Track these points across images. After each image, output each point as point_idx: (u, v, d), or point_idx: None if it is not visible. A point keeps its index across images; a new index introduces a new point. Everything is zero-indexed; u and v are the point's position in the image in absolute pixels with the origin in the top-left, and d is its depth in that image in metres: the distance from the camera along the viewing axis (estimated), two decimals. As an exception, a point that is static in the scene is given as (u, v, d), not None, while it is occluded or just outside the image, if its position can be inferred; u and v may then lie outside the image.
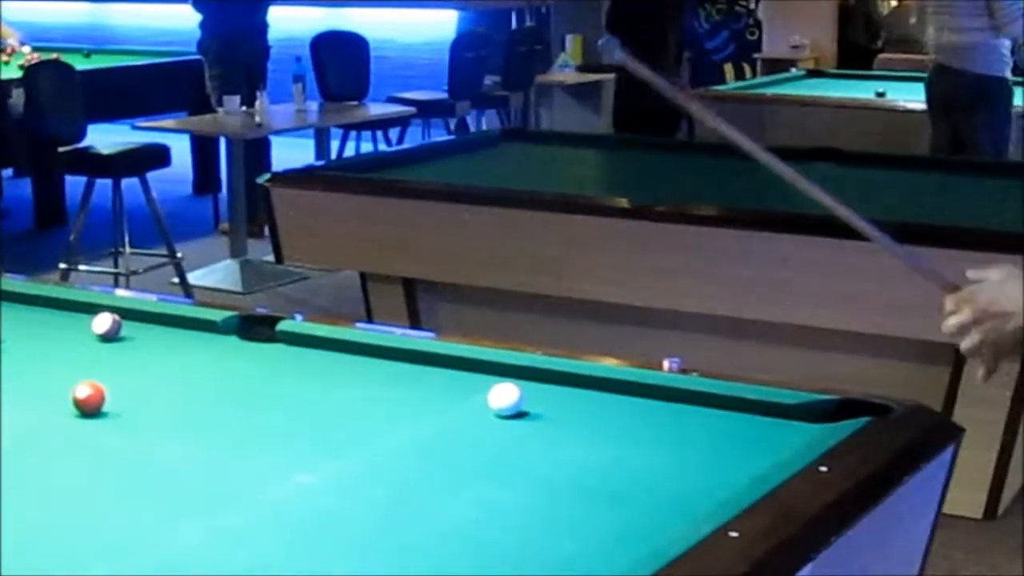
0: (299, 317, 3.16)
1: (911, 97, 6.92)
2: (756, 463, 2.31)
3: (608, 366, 2.82)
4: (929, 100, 6.49)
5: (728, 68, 11.61)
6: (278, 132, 7.67)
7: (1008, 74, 6.35)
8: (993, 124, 6.26)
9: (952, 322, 2.06)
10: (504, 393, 2.60)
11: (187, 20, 8.40)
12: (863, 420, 2.45)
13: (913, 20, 6.76)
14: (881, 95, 7.42)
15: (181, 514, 2.16)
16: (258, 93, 7.52)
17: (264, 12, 8.36)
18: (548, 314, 4.72)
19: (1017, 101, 6.46)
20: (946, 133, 6.38)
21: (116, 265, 6.86)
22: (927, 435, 2.45)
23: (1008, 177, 5.16)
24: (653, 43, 7.15)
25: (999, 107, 6.31)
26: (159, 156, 7.03)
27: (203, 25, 8.22)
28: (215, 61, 8.15)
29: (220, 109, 7.67)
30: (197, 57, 8.50)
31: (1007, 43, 6.29)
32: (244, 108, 7.54)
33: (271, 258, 5.43)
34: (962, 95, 6.27)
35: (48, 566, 1.97)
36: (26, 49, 9.06)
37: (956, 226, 4.06)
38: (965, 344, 2.04)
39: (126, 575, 1.94)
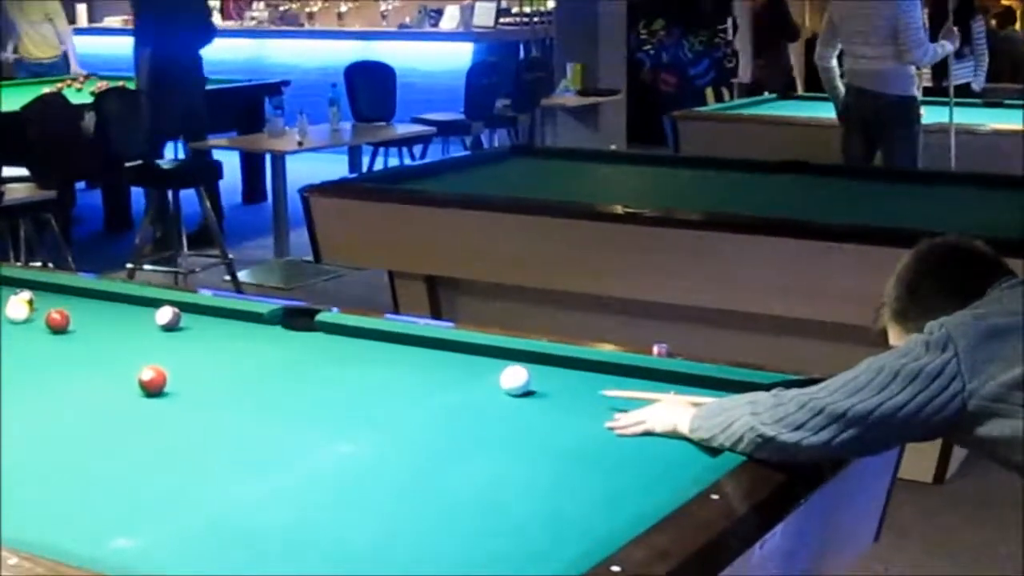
0: (335, 309, 3.16)
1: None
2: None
3: (605, 351, 2.82)
4: (846, 118, 6.51)
5: (709, 91, 11.59)
6: (316, 149, 7.67)
7: (917, 93, 6.39)
8: (909, 138, 6.31)
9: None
10: (514, 375, 2.60)
11: (231, 52, 8.37)
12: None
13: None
14: (842, 114, 7.38)
15: (234, 479, 2.17)
16: (299, 115, 7.48)
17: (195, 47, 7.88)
18: (553, 306, 4.72)
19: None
20: (860, 146, 6.42)
21: (176, 265, 6.87)
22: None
23: (950, 185, 5.17)
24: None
25: (913, 123, 6.35)
26: (212, 170, 7.03)
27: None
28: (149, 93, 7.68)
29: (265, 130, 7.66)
30: (245, 83, 8.47)
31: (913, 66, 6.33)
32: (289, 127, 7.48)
33: (311, 258, 5.43)
34: (882, 115, 6.31)
35: (115, 523, 1.97)
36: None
37: (903, 228, 4.04)
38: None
39: (187, 527, 1.95)
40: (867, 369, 2.07)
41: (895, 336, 2.23)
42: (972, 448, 2.08)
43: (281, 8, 12.58)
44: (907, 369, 2.02)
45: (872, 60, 6.29)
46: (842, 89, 6.54)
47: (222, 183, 7.54)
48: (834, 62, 6.56)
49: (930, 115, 6.53)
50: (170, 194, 6.99)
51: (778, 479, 2.09)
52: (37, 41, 9.68)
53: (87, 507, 2.04)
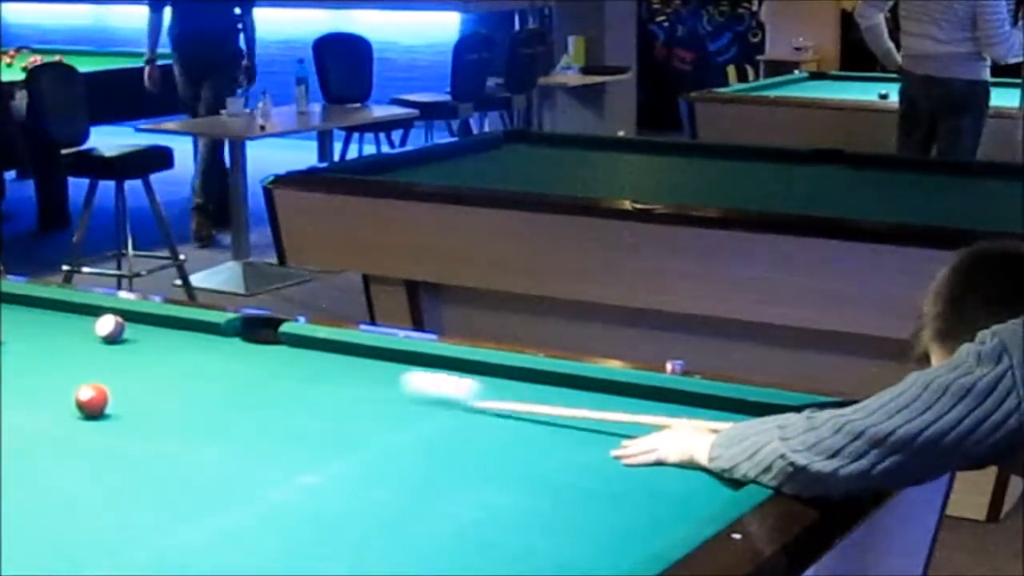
0: (301, 319, 3.16)
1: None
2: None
3: (611, 368, 2.81)
4: (909, 109, 6.51)
5: (731, 70, 11.62)
6: (281, 134, 7.67)
7: (988, 76, 6.45)
8: (975, 128, 6.34)
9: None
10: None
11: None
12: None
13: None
14: (884, 97, 7.41)
15: (183, 515, 2.16)
16: (262, 95, 7.50)
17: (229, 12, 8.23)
18: (551, 316, 4.72)
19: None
20: (919, 140, 6.44)
21: (119, 267, 6.86)
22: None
23: (1008, 178, 5.17)
24: None
25: (982, 111, 6.40)
26: (162, 158, 7.02)
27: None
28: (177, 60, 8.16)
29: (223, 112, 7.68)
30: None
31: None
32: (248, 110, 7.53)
33: (274, 260, 5.42)
34: (951, 101, 6.33)
35: (50, 566, 1.97)
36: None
37: (956, 228, 4.04)
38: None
39: (127, 575, 1.94)
40: (912, 386, 2.07)
41: (939, 360, 2.23)
42: None
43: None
44: (957, 384, 2.02)
45: (941, 44, 6.30)
46: (893, 46, 6.57)
47: (173, 173, 7.53)
48: (880, 18, 6.58)
49: (995, 98, 6.53)
50: (114, 186, 6.98)
51: (810, 516, 2.09)
52: None
53: (10, 545, 2.03)
